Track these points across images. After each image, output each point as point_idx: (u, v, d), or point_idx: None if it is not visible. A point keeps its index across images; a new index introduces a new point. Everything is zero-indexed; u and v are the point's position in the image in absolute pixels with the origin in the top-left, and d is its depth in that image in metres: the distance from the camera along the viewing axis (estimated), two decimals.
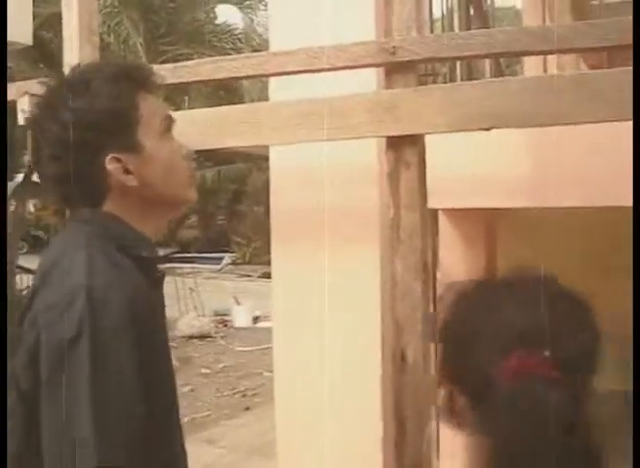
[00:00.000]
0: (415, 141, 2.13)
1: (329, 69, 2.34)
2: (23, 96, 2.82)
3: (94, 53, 3.06)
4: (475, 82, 2.24)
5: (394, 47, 2.13)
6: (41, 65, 21.27)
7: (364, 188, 2.74)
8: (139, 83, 1.53)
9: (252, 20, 23.31)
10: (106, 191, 1.50)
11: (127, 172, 1.48)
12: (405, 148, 2.13)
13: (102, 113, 1.46)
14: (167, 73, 2.57)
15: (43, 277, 1.42)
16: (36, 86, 3.00)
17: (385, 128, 2.12)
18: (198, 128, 2.50)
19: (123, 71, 1.53)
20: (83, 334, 1.27)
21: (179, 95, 19.75)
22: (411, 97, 2.11)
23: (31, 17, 8.16)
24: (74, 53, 3.02)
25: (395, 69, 2.18)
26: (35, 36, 8.67)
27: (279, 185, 3.05)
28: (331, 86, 2.50)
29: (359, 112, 2.17)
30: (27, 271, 10.66)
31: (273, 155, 3.08)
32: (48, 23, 18.51)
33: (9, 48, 8.76)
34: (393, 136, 2.14)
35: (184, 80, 2.54)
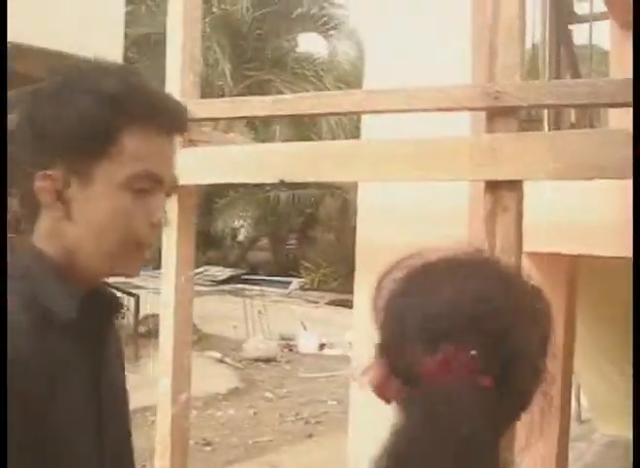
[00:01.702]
0: (514, 186, 2.13)
1: (428, 110, 2.37)
2: None
3: (195, 79, 3.13)
4: (579, 131, 2.25)
5: (498, 92, 2.14)
6: None
7: (453, 228, 2.74)
8: (150, 121, 1.18)
9: (334, 48, 23.57)
10: (36, 215, 1.21)
11: (57, 197, 1.17)
12: (503, 192, 2.13)
13: (67, 119, 1.15)
14: (267, 105, 2.64)
15: None
16: None
17: (486, 172, 2.13)
18: (294, 160, 2.55)
19: (144, 101, 1.18)
20: None
21: (266, 125, 20.01)
22: (513, 142, 2.12)
23: (122, 37, 8.42)
24: (175, 79, 3.09)
25: (497, 114, 2.19)
26: (124, 56, 8.96)
27: (366, 219, 3.08)
28: (424, 126, 2.53)
29: (460, 155, 2.19)
30: None
31: (362, 191, 3.12)
32: (136, 44, 19.06)
33: None
34: (492, 181, 2.15)
35: (284, 113, 2.58)
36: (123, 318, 11.80)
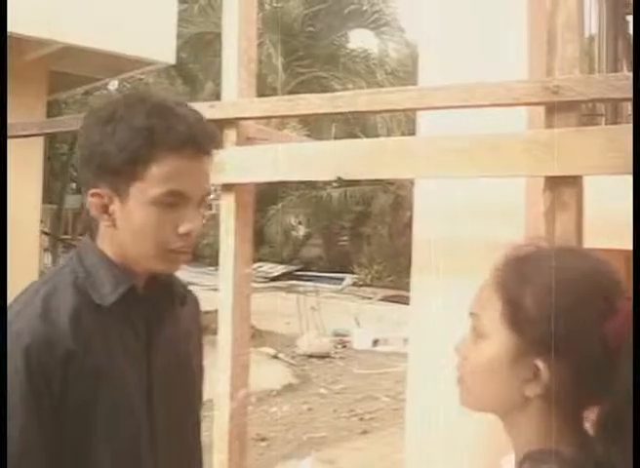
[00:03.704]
0: (573, 182, 2.11)
1: (485, 106, 2.35)
2: None
3: (250, 79, 3.15)
4: None
5: (557, 86, 2.12)
6: (177, 83, 22.09)
7: (510, 225, 2.72)
8: (177, 148, 1.42)
9: (385, 43, 23.51)
10: (96, 223, 1.51)
11: (105, 211, 1.46)
12: (563, 189, 2.11)
13: (110, 147, 1.41)
14: (324, 103, 2.65)
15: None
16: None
17: (545, 167, 2.11)
18: (351, 157, 2.56)
19: (169, 125, 1.42)
20: None
21: (320, 121, 20.07)
22: (572, 137, 2.09)
23: (175, 37, 8.46)
24: (232, 78, 3.11)
25: (557, 109, 2.16)
26: (177, 55, 8.98)
27: (422, 216, 3.07)
28: (480, 122, 2.51)
29: (517, 150, 2.17)
30: None
31: (418, 187, 3.11)
32: (189, 44, 19.23)
33: (151, 66, 9.15)
34: (552, 176, 2.13)
35: (342, 110, 2.58)
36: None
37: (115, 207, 1.45)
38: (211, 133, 1.48)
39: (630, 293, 1.08)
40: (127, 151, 1.40)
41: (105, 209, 1.46)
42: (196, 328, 1.77)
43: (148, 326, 1.53)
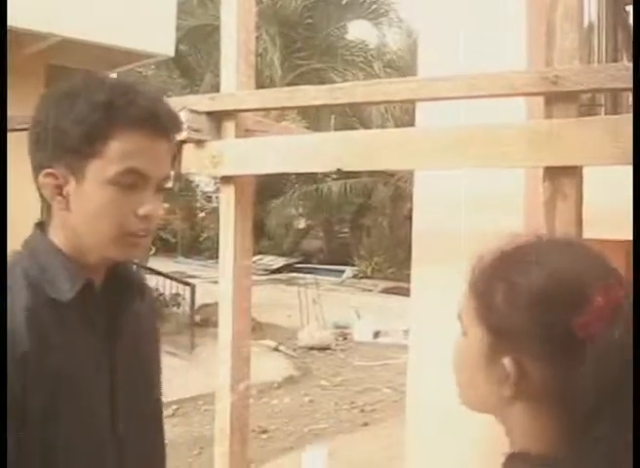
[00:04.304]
0: (573, 173, 2.10)
1: (485, 97, 2.34)
2: (182, 110, 2.93)
3: (249, 71, 3.14)
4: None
5: (556, 76, 2.11)
6: (176, 75, 22.02)
7: (510, 216, 2.72)
8: (138, 125, 1.35)
9: (383, 35, 23.48)
10: (49, 208, 1.42)
11: (59, 192, 1.37)
12: (563, 179, 2.10)
13: (67, 123, 1.34)
14: (322, 94, 2.65)
15: None
16: (194, 100, 3.13)
17: (545, 158, 2.10)
18: (351, 149, 2.55)
19: (133, 102, 1.35)
20: None
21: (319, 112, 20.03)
22: (572, 127, 2.09)
23: (174, 30, 8.45)
24: (230, 70, 3.10)
25: (556, 99, 2.16)
26: (175, 48, 8.94)
27: (422, 207, 3.07)
28: (479, 113, 2.51)
29: (517, 141, 2.16)
30: (154, 273, 11.06)
31: (418, 179, 3.11)
32: (188, 36, 19.18)
33: (150, 59, 9.14)
34: (551, 167, 2.12)
35: (341, 102, 2.58)
36: (178, 306, 11.98)
37: (70, 188, 1.36)
38: (173, 114, 1.42)
39: (629, 289, 1.05)
40: (84, 125, 1.32)
41: (59, 190, 1.37)
42: (154, 323, 1.71)
43: (109, 320, 1.46)
